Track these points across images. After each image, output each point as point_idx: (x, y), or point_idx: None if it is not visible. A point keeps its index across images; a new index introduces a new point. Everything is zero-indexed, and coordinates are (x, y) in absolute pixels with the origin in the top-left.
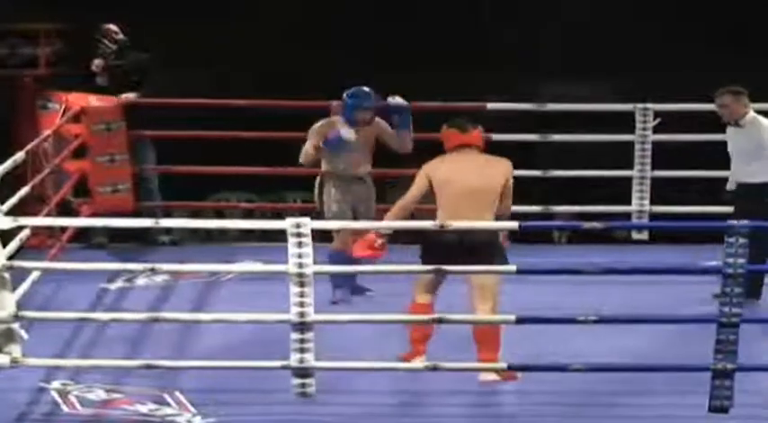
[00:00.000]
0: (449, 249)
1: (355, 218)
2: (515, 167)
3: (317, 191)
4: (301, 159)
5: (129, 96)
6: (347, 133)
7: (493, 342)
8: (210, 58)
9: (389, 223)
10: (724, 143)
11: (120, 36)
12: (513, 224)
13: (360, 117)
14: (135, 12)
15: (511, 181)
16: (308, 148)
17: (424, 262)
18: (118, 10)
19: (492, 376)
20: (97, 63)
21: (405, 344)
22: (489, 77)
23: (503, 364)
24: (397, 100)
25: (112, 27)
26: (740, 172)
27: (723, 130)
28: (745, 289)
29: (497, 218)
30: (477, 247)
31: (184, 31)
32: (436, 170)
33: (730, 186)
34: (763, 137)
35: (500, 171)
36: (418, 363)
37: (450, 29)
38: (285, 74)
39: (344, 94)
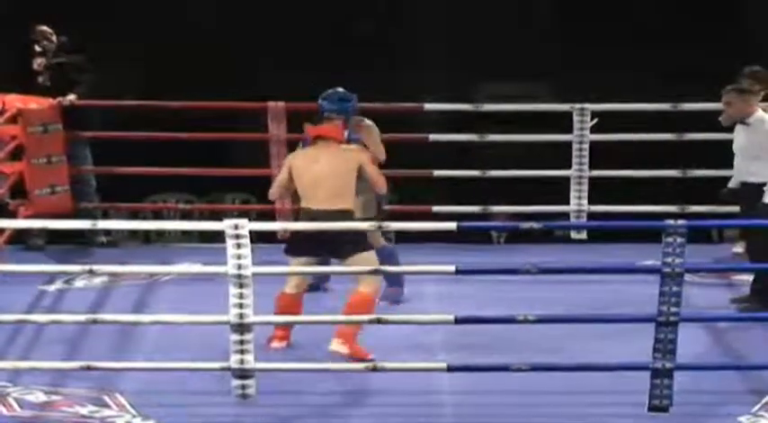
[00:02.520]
0: (315, 240)
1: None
2: (453, 167)
3: None
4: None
5: (70, 98)
6: None
7: (362, 311)
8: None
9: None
10: (665, 142)
11: (55, 36)
12: (452, 224)
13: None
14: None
15: (367, 166)
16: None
17: (292, 253)
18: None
19: (343, 349)
20: (39, 62)
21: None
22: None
23: (443, 364)
24: None
25: (46, 28)
26: (743, 171)
27: (662, 130)
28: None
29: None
30: (339, 235)
31: (116, 30)
32: (294, 160)
33: (732, 184)
34: (764, 138)
35: (348, 159)
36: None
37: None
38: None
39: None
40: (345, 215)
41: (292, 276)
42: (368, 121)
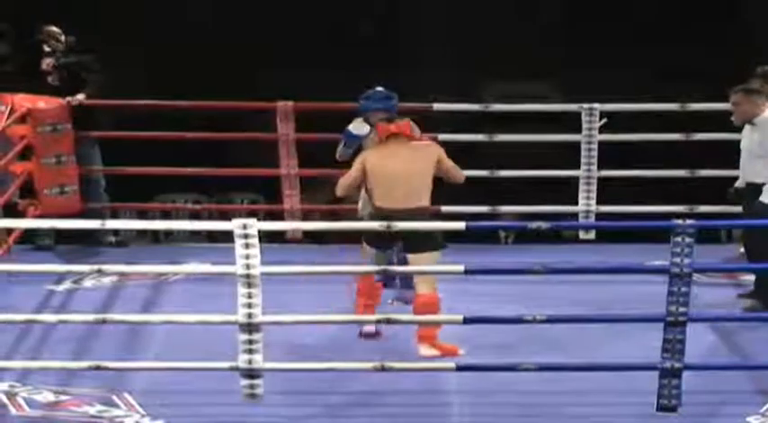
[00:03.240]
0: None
1: None
2: (462, 167)
3: None
4: (337, 156)
5: (79, 97)
6: (356, 128)
7: (432, 312)
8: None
9: (343, 224)
10: (673, 143)
11: (64, 37)
12: (460, 224)
13: (373, 119)
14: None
15: (445, 159)
16: (339, 149)
17: (368, 241)
18: (59, 11)
19: (432, 351)
20: (48, 62)
21: (355, 343)
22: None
23: (451, 364)
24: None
25: (55, 29)
26: (748, 171)
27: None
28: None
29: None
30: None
31: (126, 32)
32: (368, 159)
33: (739, 184)
34: None
35: (425, 156)
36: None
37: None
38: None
39: (380, 96)
40: (423, 212)
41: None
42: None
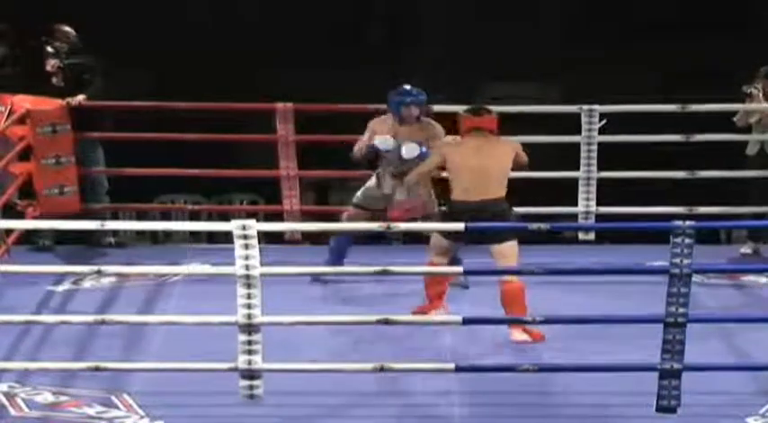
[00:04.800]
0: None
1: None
2: None
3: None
4: (354, 153)
5: (79, 98)
6: (381, 143)
7: (519, 300)
8: (153, 60)
9: (337, 225)
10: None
11: (72, 37)
12: (460, 225)
13: (405, 113)
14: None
15: (522, 153)
16: (358, 146)
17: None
18: (59, 10)
19: (524, 336)
20: (52, 63)
21: (354, 344)
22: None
23: (450, 365)
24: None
25: (66, 28)
26: None
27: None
28: None
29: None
30: (489, 220)
31: (127, 33)
32: (450, 151)
33: None
34: None
35: (507, 150)
36: (436, 315)
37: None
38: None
39: (389, 94)
40: (503, 203)
41: (437, 249)
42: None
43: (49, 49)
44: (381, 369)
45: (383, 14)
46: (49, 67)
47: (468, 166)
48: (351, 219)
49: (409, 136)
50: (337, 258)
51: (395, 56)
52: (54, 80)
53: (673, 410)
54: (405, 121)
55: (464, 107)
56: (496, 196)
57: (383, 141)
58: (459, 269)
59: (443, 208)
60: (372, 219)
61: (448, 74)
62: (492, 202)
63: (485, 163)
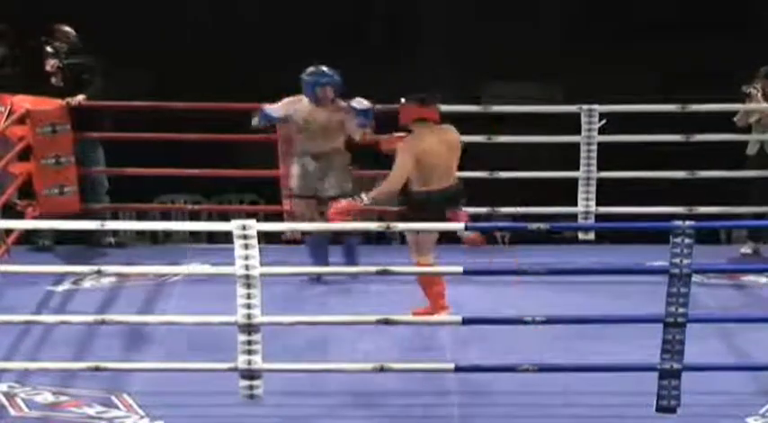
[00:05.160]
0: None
1: (317, 194)
2: (461, 168)
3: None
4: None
5: (78, 98)
6: (273, 110)
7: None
8: (153, 60)
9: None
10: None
11: (72, 36)
12: (459, 225)
13: (321, 94)
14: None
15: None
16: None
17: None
18: (59, 10)
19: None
20: (52, 63)
21: (353, 344)
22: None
23: (450, 365)
24: (361, 103)
25: (66, 28)
26: None
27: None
28: None
29: None
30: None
31: (127, 33)
32: (419, 146)
33: None
34: None
35: (457, 137)
36: (444, 316)
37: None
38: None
39: (302, 74)
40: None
41: (425, 248)
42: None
43: (49, 49)
44: (381, 369)
45: (383, 14)
46: (48, 67)
47: (440, 157)
48: (298, 212)
49: (328, 118)
50: (321, 257)
51: (395, 56)
52: (53, 80)
53: (672, 410)
54: (321, 103)
55: (464, 107)
56: (457, 179)
57: (275, 109)
58: (459, 269)
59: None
60: (319, 204)
61: (448, 73)
62: (458, 185)
63: (449, 153)
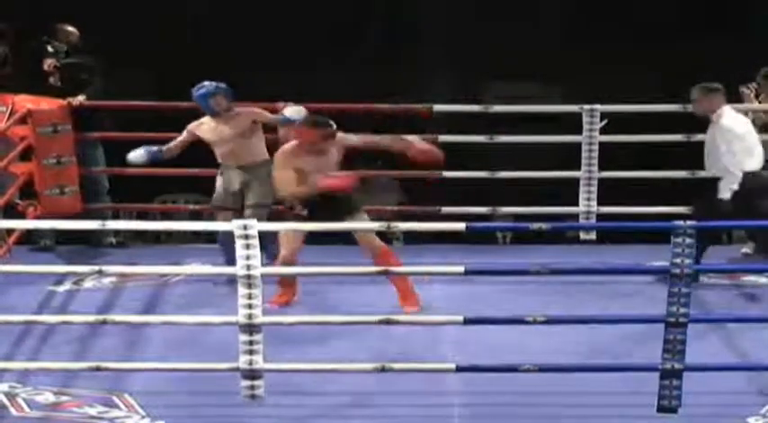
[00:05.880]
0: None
1: (241, 206)
2: (464, 169)
3: None
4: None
5: (80, 98)
6: (294, 113)
7: (404, 284)
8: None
9: (344, 225)
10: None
11: (73, 36)
12: (461, 225)
13: (214, 104)
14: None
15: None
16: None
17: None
18: (59, 10)
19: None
20: (49, 62)
21: (354, 344)
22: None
23: (451, 365)
24: (292, 111)
25: (68, 28)
26: (710, 167)
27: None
28: None
29: None
30: (339, 206)
31: (127, 33)
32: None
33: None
34: (720, 137)
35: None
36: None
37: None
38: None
39: (192, 92)
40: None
41: (289, 240)
42: None
43: (49, 48)
44: (382, 369)
45: (384, 14)
46: (45, 67)
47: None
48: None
49: (233, 127)
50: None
51: (395, 56)
52: (51, 80)
53: (674, 411)
54: (218, 114)
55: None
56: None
57: (296, 111)
58: (461, 269)
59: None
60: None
61: (449, 74)
62: None
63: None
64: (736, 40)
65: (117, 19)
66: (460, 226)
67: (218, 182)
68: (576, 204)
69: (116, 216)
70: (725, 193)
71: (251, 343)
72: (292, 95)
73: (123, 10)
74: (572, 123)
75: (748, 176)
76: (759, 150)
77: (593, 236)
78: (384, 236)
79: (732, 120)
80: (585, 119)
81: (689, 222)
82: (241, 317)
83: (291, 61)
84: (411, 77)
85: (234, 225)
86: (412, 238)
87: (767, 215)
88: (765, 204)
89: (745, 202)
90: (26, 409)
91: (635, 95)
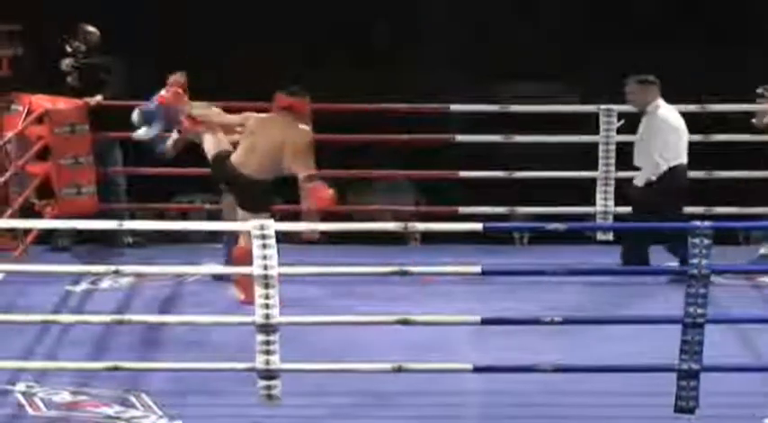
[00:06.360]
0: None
1: None
2: (479, 169)
3: None
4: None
5: (97, 98)
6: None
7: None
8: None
9: (359, 225)
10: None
11: (92, 36)
12: (478, 225)
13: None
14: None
15: (301, 147)
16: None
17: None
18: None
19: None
20: (67, 62)
21: (371, 347)
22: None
23: (468, 365)
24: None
25: (89, 28)
26: (635, 156)
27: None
28: None
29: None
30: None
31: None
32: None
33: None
34: (655, 128)
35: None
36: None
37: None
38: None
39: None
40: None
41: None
42: None
43: (68, 48)
44: (399, 369)
45: (395, 13)
46: (63, 67)
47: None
48: None
49: None
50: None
51: (411, 55)
52: (69, 79)
53: (691, 411)
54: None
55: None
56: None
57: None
58: (478, 269)
59: None
60: None
61: (465, 73)
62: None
63: (269, 146)
64: (755, 45)
65: (137, 19)
66: (477, 226)
67: None
68: (594, 204)
69: (133, 216)
70: (640, 180)
71: (268, 343)
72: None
73: (144, 10)
74: (589, 123)
75: (676, 171)
76: (686, 147)
77: (609, 236)
78: (401, 235)
79: (669, 112)
80: (602, 119)
81: (706, 223)
82: (258, 317)
83: (309, 59)
84: (426, 77)
85: (251, 225)
86: (429, 238)
87: (674, 214)
88: (676, 203)
89: (668, 194)
90: (43, 408)
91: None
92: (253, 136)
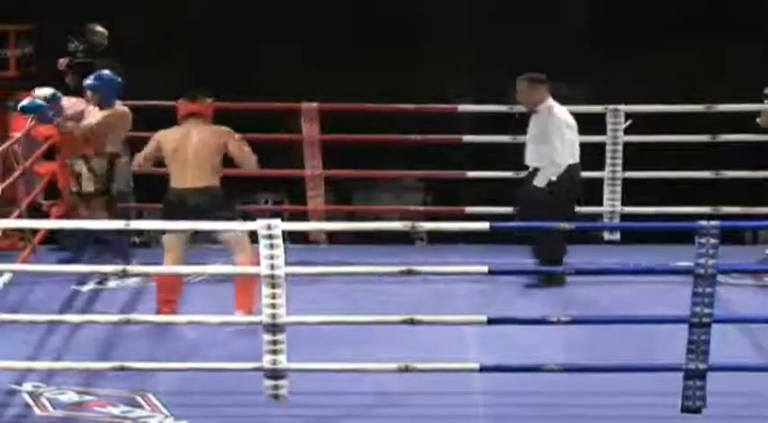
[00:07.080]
0: (185, 213)
1: None
2: (486, 169)
3: None
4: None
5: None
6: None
7: (248, 288)
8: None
9: (366, 225)
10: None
11: (98, 36)
12: (485, 225)
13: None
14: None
15: (234, 143)
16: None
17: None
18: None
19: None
20: (61, 62)
21: (377, 344)
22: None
23: (475, 365)
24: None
25: (96, 27)
26: (528, 156)
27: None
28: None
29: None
30: (206, 209)
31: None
32: (165, 138)
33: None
34: (547, 126)
35: (220, 140)
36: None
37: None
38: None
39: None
40: (211, 191)
41: (173, 251)
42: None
43: (69, 47)
44: (406, 369)
45: (407, 14)
46: (59, 66)
47: (178, 152)
48: None
49: None
50: (125, 255)
51: (418, 56)
52: (66, 79)
53: (698, 411)
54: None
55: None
56: (206, 185)
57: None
58: (485, 268)
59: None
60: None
61: (473, 74)
62: (202, 191)
63: (193, 149)
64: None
65: (143, 18)
66: (484, 226)
67: None
68: (601, 204)
69: (140, 216)
70: (542, 181)
71: (275, 343)
72: (317, 94)
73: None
74: (596, 123)
75: (572, 168)
76: (578, 145)
77: (617, 236)
78: (408, 235)
79: (562, 111)
80: (609, 119)
81: (713, 222)
82: (265, 317)
83: (319, 61)
84: (433, 77)
85: (257, 225)
86: (436, 237)
87: (566, 213)
88: (572, 202)
89: (565, 194)
90: (50, 408)
91: (658, 96)
92: (177, 153)
